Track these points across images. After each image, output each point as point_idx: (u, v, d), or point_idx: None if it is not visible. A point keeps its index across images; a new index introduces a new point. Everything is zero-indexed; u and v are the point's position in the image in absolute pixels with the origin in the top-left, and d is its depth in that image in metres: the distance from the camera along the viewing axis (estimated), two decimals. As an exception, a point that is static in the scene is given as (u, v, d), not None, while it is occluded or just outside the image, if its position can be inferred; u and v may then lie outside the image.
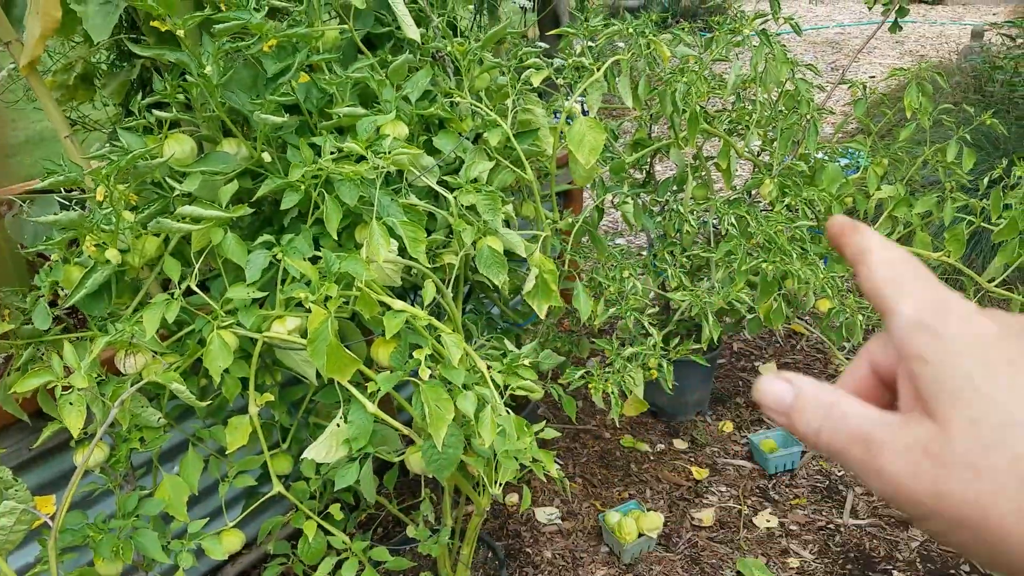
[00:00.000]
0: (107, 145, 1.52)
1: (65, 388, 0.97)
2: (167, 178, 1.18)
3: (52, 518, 1.07)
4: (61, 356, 0.99)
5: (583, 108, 1.63)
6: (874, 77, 6.30)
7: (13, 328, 1.10)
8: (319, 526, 1.26)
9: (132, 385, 1.03)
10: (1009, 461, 0.26)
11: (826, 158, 2.29)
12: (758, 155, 2.40)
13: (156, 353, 1.08)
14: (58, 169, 1.18)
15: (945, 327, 0.30)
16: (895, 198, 2.09)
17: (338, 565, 1.28)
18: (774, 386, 0.33)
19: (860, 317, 1.98)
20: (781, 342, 3.01)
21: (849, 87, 2.24)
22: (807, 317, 3.07)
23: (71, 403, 0.94)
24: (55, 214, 1.03)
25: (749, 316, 2.31)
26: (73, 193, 1.61)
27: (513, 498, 2.22)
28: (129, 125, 1.21)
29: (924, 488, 0.27)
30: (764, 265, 1.85)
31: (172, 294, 1.09)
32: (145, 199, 1.22)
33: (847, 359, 2.11)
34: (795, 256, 1.92)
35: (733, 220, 1.98)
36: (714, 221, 2.20)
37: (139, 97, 1.24)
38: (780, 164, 2.25)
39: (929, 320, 0.30)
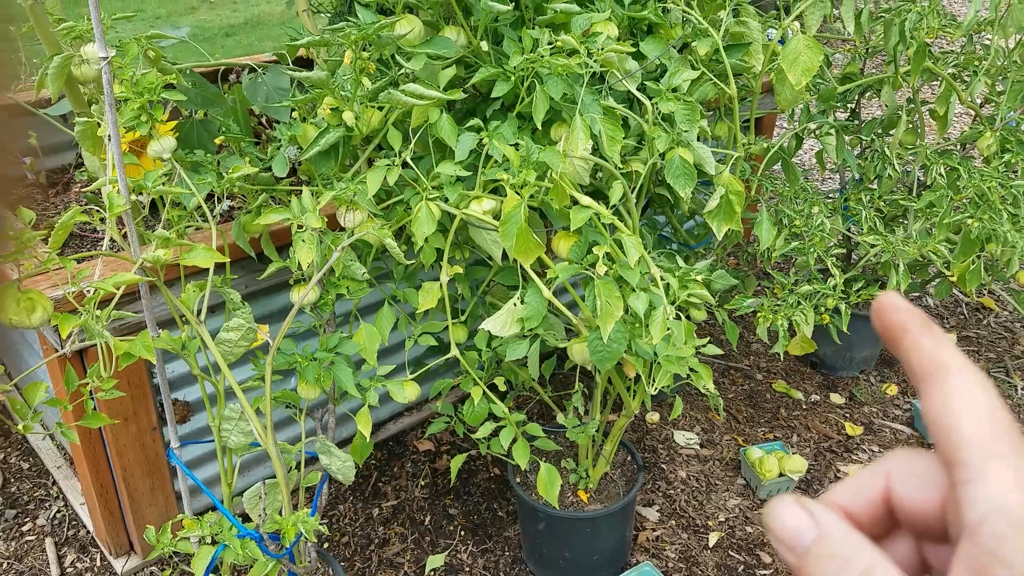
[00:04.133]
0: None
1: (299, 227, 1.12)
2: (395, 55, 1.28)
3: (270, 339, 1.25)
4: (299, 200, 1.14)
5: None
6: None
7: (254, 172, 1.26)
8: (484, 394, 1.38)
9: (349, 237, 1.16)
10: None
11: (1065, 116, 2.05)
12: (981, 106, 2.19)
13: (372, 214, 1.21)
14: (299, 37, 1.32)
15: None
16: None
17: (495, 432, 1.40)
18: (792, 516, 0.26)
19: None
20: (966, 315, 2.80)
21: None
22: (1001, 292, 2.81)
23: (304, 240, 1.09)
24: (304, 73, 1.16)
25: (938, 281, 2.17)
26: (313, 72, 1.77)
27: (655, 417, 2.28)
28: (366, 2, 1.32)
29: None
30: (969, 221, 1.72)
31: (392, 162, 1.20)
32: (372, 77, 1.33)
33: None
34: (1005, 217, 1.77)
35: (942, 171, 1.84)
36: (919, 171, 2.05)
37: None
38: (1005, 118, 2.04)
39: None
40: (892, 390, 2.38)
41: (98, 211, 1.12)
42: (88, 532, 1.92)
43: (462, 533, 1.89)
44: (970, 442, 0.25)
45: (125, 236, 1.17)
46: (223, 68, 1.96)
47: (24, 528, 1.95)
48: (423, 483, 2.02)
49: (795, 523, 0.26)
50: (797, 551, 0.25)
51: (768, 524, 0.27)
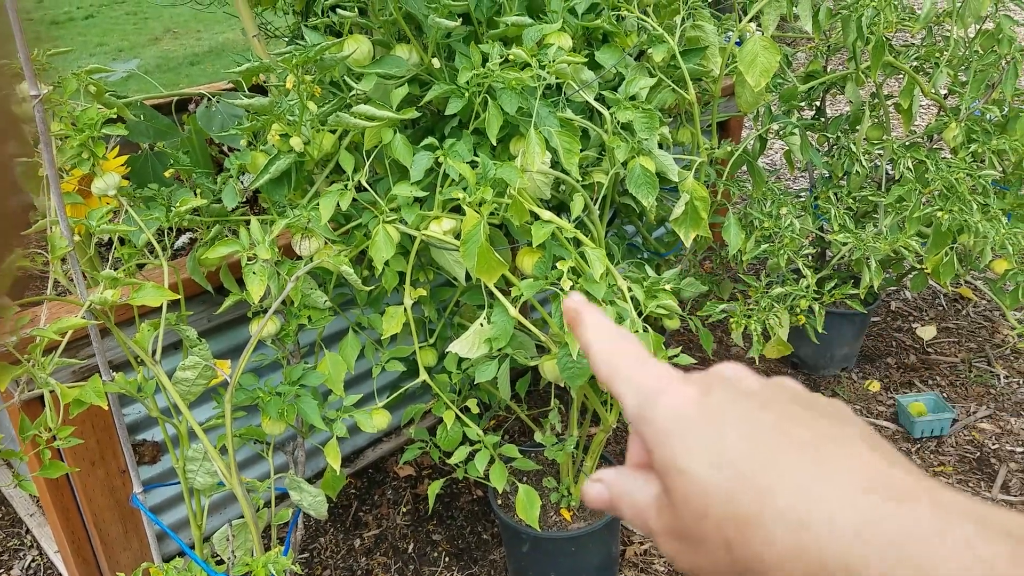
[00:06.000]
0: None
1: (250, 259, 1.09)
2: (345, 78, 1.25)
3: (229, 377, 1.21)
4: (248, 231, 1.10)
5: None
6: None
7: (204, 204, 1.22)
8: (457, 417, 1.34)
9: (305, 265, 1.13)
10: (714, 526, 0.29)
11: (1026, 105, 2.06)
12: (945, 97, 2.19)
13: (328, 240, 1.17)
14: (246, 62, 1.29)
15: (655, 413, 0.32)
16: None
17: (470, 456, 1.37)
18: (593, 488, 0.37)
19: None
20: (945, 306, 2.79)
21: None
22: (977, 281, 2.82)
23: (254, 272, 1.05)
24: (248, 99, 1.13)
25: (913, 274, 2.16)
26: (255, 98, 1.74)
27: (638, 427, 2.25)
28: (313, 24, 1.29)
29: (688, 563, 0.31)
30: (939, 214, 1.71)
31: (346, 185, 1.17)
32: (322, 100, 1.30)
33: (1021, 325, 1.93)
34: (975, 207, 1.76)
35: (910, 164, 1.84)
36: (887, 165, 2.05)
37: (321, 1, 1.31)
38: (969, 108, 2.04)
39: (645, 410, 0.33)
40: (874, 386, 2.37)
41: (42, 254, 1.08)
42: (63, 581, 1.86)
43: (447, 559, 1.84)
44: (613, 386, 0.35)
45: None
46: (183, 98, 1.93)
47: (-4, 581, 1.89)
48: (405, 510, 1.98)
49: (596, 491, 0.36)
50: (607, 506, 0.35)
51: (587, 502, 0.36)
